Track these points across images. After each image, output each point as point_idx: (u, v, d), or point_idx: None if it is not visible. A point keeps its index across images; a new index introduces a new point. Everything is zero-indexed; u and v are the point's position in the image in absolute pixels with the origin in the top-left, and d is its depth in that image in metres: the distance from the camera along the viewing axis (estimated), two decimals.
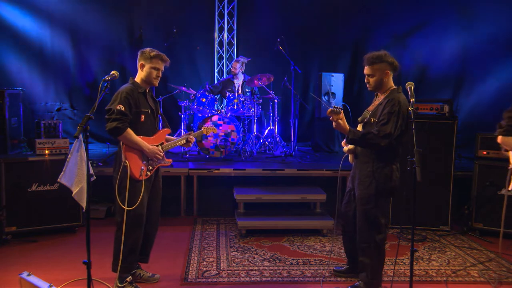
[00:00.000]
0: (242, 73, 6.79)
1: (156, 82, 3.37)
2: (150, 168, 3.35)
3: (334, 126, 3.13)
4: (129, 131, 3.18)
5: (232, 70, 6.74)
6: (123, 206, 3.17)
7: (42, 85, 7.10)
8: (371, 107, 3.30)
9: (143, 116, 3.29)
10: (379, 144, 3.06)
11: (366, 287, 3.32)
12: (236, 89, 6.67)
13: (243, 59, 6.74)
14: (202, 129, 3.78)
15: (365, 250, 3.29)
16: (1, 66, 6.61)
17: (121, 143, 3.21)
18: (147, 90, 3.40)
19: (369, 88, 3.28)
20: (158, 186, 3.50)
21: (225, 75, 8.01)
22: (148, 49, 3.31)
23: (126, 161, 3.19)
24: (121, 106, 3.13)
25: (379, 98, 3.27)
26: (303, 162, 5.94)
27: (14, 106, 5.39)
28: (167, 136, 3.55)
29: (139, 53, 3.33)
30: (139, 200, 3.22)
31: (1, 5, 6.60)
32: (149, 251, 3.57)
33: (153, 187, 3.43)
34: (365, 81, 3.26)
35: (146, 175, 3.30)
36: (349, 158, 3.49)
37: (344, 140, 3.32)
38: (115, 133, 3.13)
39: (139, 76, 3.33)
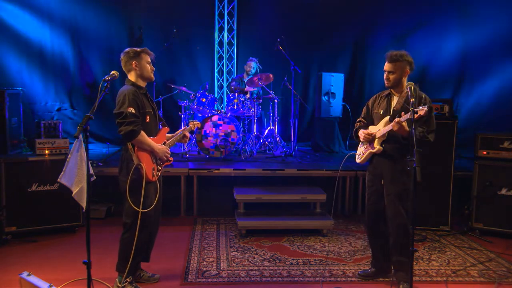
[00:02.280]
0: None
1: (153, 76, 3.38)
2: (159, 168, 3.36)
3: (396, 128, 3.11)
4: (143, 133, 3.17)
5: (248, 69, 6.82)
6: (136, 209, 3.14)
7: (42, 85, 7.10)
8: (397, 106, 3.30)
9: (148, 117, 3.27)
10: (430, 140, 3.23)
11: (409, 285, 3.21)
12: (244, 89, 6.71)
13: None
14: (190, 124, 3.76)
15: (406, 247, 3.24)
16: (1, 66, 6.61)
17: (130, 145, 3.18)
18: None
19: (387, 84, 3.34)
20: (161, 188, 3.49)
21: (225, 75, 8.03)
22: (130, 48, 3.29)
23: (141, 163, 3.16)
24: (131, 108, 3.10)
25: (400, 97, 3.31)
26: (303, 162, 5.94)
27: (14, 106, 5.40)
28: (167, 135, 3.55)
29: (123, 56, 3.28)
30: (155, 201, 3.23)
31: (1, 5, 6.60)
32: (150, 251, 3.56)
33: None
34: (385, 77, 3.31)
35: (157, 175, 3.31)
36: (363, 158, 3.47)
37: (364, 138, 3.40)
38: (131, 136, 3.10)
39: (134, 76, 3.29)
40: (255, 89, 6.74)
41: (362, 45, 7.82)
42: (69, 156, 3.21)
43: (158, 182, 3.33)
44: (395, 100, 3.36)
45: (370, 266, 3.73)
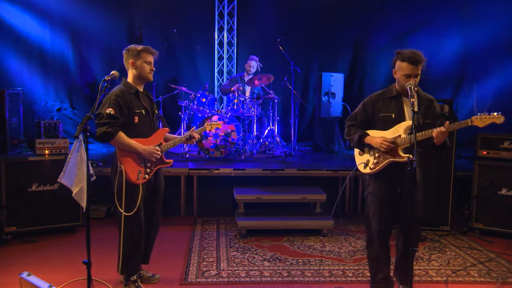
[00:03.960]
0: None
1: (151, 76, 3.27)
2: (148, 170, 3.25)
3: (443, 137, 2.88)
4: (121, 134, 3.09)
5: (248, 68, 6.81)
6: (121, 210, 3.12)
7: (42, 85, 7.09)
8: (416, 108, 2.89)
9: (137, 118, 3.19)
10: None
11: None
12: (245, 88, 6.71)
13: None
14: (205, 125, 3.60)
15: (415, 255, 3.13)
16: (1, 66, 6.61)
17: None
18: (142, 90, 3.30)
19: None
20: (159, 188, 3.44)
21: (225, 75, 8.02)
22: (132, 46, 3.22)
23: (121, 166, 3.12)
24: (110, 109, 3.04)
25: (412, 98, 2.97)
26: (303, 162, 5.94)
27: (14, 106, 5.39)
28: (169, 135, 3.48)
29: (124, 52, 3.22)
30: (137, 205, 3.14)
31: (1, 5, 6.59)
32: (149, 252, 3.55)
33: (154, 188, 3.38)
34: (409, 82, 2.95)
35: (144, 178, 3.22)
36: (379, 167, 3.08)
37: (387, 149, 3.01)
38: (106, 137, 3.06)
39: (132, 75, 3.24)
40: (255, 87, 6.73)
41: (362, 45, 7.81)
42: (69, 156, 3.21)
43: (144, 185, 3.22)
44: (407, 102, 3.05)
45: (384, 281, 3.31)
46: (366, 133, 3.17)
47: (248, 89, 6.75)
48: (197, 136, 3.48)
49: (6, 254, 4.09)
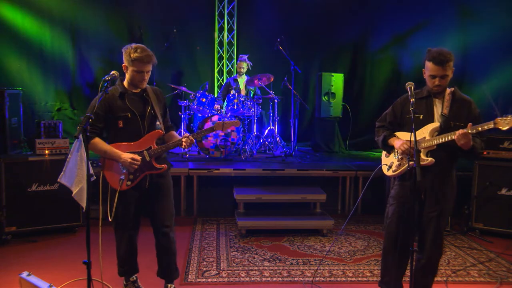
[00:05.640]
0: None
1: (143, 85, 3.04)
2: (132, 177, 3.03)
3: (464, 140, 2.69)
4: (96, 141, 2.96)
5: (239, 70, 6.78)
6: (101, 215, 3.02)
7: (42, 85, 7.09)
8: (445, 110, 2.87)
9: (121, 122, 2.99)
10: (483, 152, 2.96)
11: None
12: (241, 88, 6.69)
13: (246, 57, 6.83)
14: (215, 125, 3.17)
15: (437, 267, 3.05)
16: (1, 66, 6.61)
17: None
18: (133, 91, 3.05)
19: (437, 90, 2.90)
20: (160, 190, 3.17)
21: (225, 75, 8.02)
22: (130, 48, 2.94)
23: (102, 171, 3.04)
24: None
25: (445, 100, 2.92)
26: (303, 162, 5.94)
27: (14, 106, 5.38)
28: (172, 133, 3.23)
29: (123, 51, 2.98)
30: (113, 211, 2.99)
31: (1, 5, 6.60)
32: (165, 265, 3.23)
33: (151, 193, 3.16)
34: (437, 83, 2.86)
35: (127, 185, 3.03)
36: (400, 170, 2.98)
37: (406, 152, 2.88)
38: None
39: (125, 79, 3.05)
40: (251, 86, 6.71)
41: (362, 45, 7.81)
42: (69, 156, 3.21)
43: (132, 191, 3.07)
44: (437, 104, 2.94)
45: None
46: (392, 134, 3.07)
47: (243, 87, 6.73)
48: (187, 141, 3.06)
49: (6, 254, 4.09)
